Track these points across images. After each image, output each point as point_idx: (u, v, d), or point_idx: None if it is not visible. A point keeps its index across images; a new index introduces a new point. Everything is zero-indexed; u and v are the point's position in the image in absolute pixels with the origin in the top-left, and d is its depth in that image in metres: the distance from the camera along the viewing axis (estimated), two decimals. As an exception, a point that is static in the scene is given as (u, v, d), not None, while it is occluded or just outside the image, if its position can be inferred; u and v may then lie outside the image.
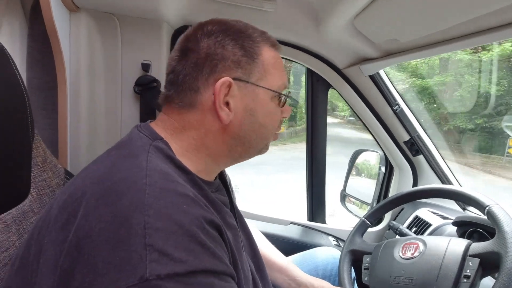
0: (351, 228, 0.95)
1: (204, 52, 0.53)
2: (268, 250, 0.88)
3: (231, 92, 0.53)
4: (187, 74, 0.53)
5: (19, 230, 0.54)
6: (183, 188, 0.44)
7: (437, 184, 1.19)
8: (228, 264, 0.44)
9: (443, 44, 0.82)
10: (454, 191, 0.84)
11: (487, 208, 0.72)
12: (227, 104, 0.53)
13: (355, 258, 0.90)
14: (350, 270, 0.90)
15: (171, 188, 0.43)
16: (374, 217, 0.94)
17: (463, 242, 0.71)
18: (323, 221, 1.34)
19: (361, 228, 0.94)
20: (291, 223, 1.26)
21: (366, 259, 0.87)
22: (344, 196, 1.53)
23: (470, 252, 0.69)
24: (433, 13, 0.70)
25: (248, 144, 0.58)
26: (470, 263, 0.67)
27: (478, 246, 0.69)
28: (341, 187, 1.52)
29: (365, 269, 0.86)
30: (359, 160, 1.53)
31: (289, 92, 0.61)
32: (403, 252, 0.77)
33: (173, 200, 0.41)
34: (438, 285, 0.68)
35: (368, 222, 0.93)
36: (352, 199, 1.54)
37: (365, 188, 1.56)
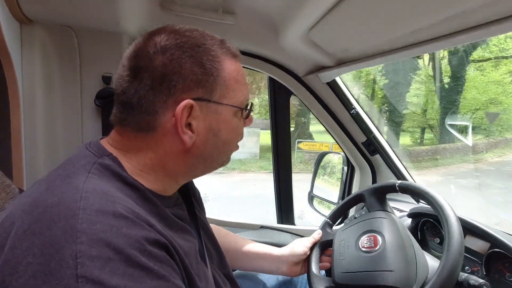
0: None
1: (159, 72, 0.48)
2: (241, 244, 0.89)
3: (193, 114, 0.50)
4: (142, 97, 0.48)
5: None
6: (123, 209, 0.41)
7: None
8: (176, 281, 0.43)
9: (390, 53, 0.90)
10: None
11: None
12: (189, 125, 0.50)
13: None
14: (350, 207, 0.94)
15: (109, 210, 0.40)
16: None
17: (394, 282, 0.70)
18: (292, 223, 1.39)
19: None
20: (261, 227, 1.29)
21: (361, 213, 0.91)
22: (312, 198, 1.59)
23: None
24: (378, 26, 0.77)
25: (211, 161, 0.56)
26: None
27: None
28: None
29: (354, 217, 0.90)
30: (324, 162, 1.61)
31: (252, 104, 0.59)
32: (362, 242, 0.80)
33: (111, 223, 0.39)
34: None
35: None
36: (319, 200, 1.61)
37: (331, 188, 1.64)
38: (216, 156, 0.56)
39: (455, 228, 0.69)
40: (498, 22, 0.62)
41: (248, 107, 0.58)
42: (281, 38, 0.99)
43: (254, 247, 0.88)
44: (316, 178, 1.62)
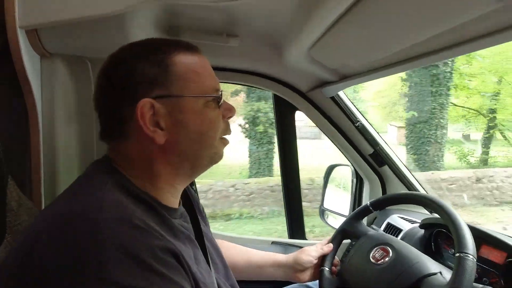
0: None
1: (118, 84, 0.53)
2: (249, 255, 0.92)
3: (157, 112, 0.52)
4: (110, 108, 0.54)
5: (-2, 279, 0.53)
6: (137, 220, 0.45)
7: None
8: (186, 287, 0.46)
9: (390, 67, 0.92)
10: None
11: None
12: (158, 124, 0.53)
13: (348, 238, 0.96)
14: (337, 248, 0.94)
15: (126, 220, 0.44)
16: (378, 206, 0.96)
17: (425, 269, 0.73)
18: (303, 237, 1.38)
19: (362, 212, 0.97)
20: (273, 242, 1.29)
21: (353, 243, 0.93)
22: (323, 211, 1.58)
23: (424, 283, 0.70)
24: (376, 42, 0.80)
25: (194, 156, 0.57)
26: None
27: (434, 281, 0.70)
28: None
29: (347, 250, 0.93)
30: (333, 175, 1.61)
31: (221, 92, 0.59)
32: (374, 254, 0.83)
33: (129, 232, 0.43)
34: None
35: (371, 208, 0.95)
36: (331, 213, 1.60)
37: (342, 201, 1.63)
38: (197, 150, 0.56)
39: (462, 225, 0.70)
40: (492, 34, 0.64)
41: (217, 94, 0.58)
42: (283, 56, 1.03)
43: (261, 256, 0.91)
44: (326, 190, 1.62)
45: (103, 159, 0.57)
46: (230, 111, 0.62)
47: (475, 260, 0.65)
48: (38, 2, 0.68)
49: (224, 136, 0.62)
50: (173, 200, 0.59)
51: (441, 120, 7.65)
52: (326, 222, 1.55)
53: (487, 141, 8.86)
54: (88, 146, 0.88)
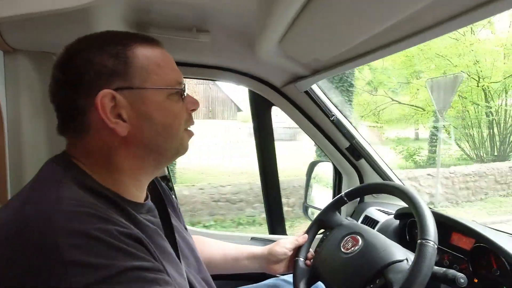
0: None
1: (75, 75, 0.51)
2: (225, 248, 0.92)
3: (119, 103, 0.51)
4: (67, 101, 0.52)
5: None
6: (95, 211, 0.44)
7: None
8: (156, 263, 0.46)
9: (358, 58, 0.94)
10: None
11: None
12: (119, 116, 0.52)
13: (324, 228, 0.98)
14: (312, 238, 0.96)
15: (83, 211, 0.43)
16: (352, 196, 0.98)
17: (391, 257, 0.74)
18: (284, 233, 1.39)
19: (337, 202, 0.98)
20: (252, 238, 1.29)
21: (327, 233, 0.94)
22: (306, 208, 1.59)
23: (388, 270, 0.71)
24: (341, 34, 0.82)
25: (158, 148, 0.56)
26: (377, 280, 0.71)
27: (398, 268, 0.71)
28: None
29: (321, 241, 0.93)
30: (315, 171, 1.62)
31: (184, 85, 0.59)
32: (344, 243, 0.84)
33: (86, 220, 0.42)
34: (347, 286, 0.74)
35: (346, 199, 0.97)
36: (314, 210, 1.61)
37: (324, 197, 1.64)
38: (161, 142, 0.56)
39: (425, 212, 0.72)
40: (445, 22, 0.66)
41: (179, 86, 0.58)
42: (255, 51, 1.04)
43: (237, 248, 0.91)
44: (309, 187, 1.63)
45: (61, 155, 0.55)
46: (193, 104, 0.62)
47: (435, 246, 0.66)
48: None
49: (189, 128, 0.62)
50: (138, 194, 0.58)
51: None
52: (310, 219, 1.55)
53: (433, 139, 8.71)
54: (56, 141, 0.86)
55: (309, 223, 1.61)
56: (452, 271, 0.68)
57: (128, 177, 0.55)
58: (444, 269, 0.69)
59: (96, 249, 0.40)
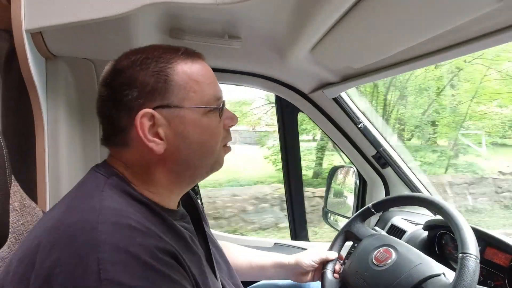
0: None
1: (118, 93, 0.52)
2: (251, 256, 0.92)
3: (157, 122, 0.52)
4: (111, 116, 0.54)
5: None
6: (135, 223, 0.45)
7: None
8: (187, 286, 0.46)
9: (392, 67, 0.92)
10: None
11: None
12: (157, 134, 0.53)
13: (350, 240, 0.96)
14: (339, 250, 0.94)
15: (124, 223, 0.45)
16: (380, 207, 0.96)
17: (428, 271, 0.72)
18: (306, 239, 1.38)
19: (364, 213, 0.96)
20: (275, 243, 1.29)
21: (355, 245, 0.92)
22: (326, 213, 1.58)
23: (426, 285, 0.70)
24: (377, 43, 0.80)
25: (194, 166, 0.57)
26: None
27: (437, 282, 0.69)
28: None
29: (348, 253, 0.92)
30: (337, 176, 1.61)
31: (223, 101, 0.59)
32: (376, 255, 0.82)
33: (127, 234, 0.43)
34: None
35: (373, 210, 0.95)
36: (334, 215, 1.59)
37: (345, 203, 1.63)
38: (197, 160, 0.57)
39: (465, 226, 0.70)
40: (492, 34, 0.64)
41: (219, 104, 0.57)
42: (285, 58, 1.04)
43: (263, 257, 0.91)
44: (329, 192, 1.62)
45: (103, 164, 0.58)
46: (232, 120, 0.61)
47: (478, 260, 0.65)
48: (43, 5, 0.69)
49: (227, 144, 0.63)
50: (172, 203, 0.60)
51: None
52: (330, 224, 1.54)
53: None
54: (92, 147, 0.89)
55: (328, 227, 1.60)
56: None
57: (164, 189, 0.57)
58: None
59: (134, 269, 0.41)
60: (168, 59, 0.54)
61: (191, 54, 0.57)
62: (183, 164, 0.56)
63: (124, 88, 0.52)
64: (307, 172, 6.05)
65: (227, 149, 0.62)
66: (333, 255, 0.91)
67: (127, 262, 0.41)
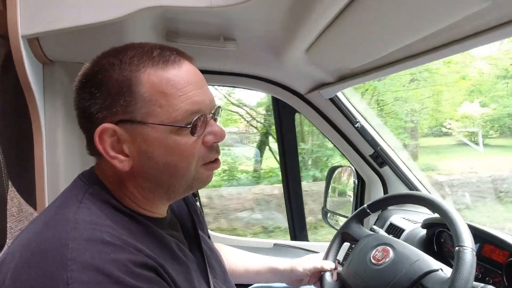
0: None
1: (82, 101, 0.49)
2: (247, 261, 0.92)
3: (121, 137, 0.48)
4: (81, 127, 0.52)
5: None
6: (110, 237, 0.44)
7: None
8: None
9: (388, 67, 0.93)
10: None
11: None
12: (122, 150, 0.49)
13: (348, 241, 0.96)
14: (337, 251, 0.94)
15: (97, 238, 0.43)
16: (375, 207, 0.96)
17: (425, 267, 0.72)
18: (306, 239, 1.38)
19: (360, 214, 0.97)
20: (275, 244, 1.29)
21: (352, 246, 0.93)
22: (325, 213, 1.58)
23: (425, 280, 0.70)
24: (371, 43, 0.81)
25: (166, 184, 0.52)
26: None
27: (435, 277, 0.69)
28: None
29: (346, 254, 0.92)
30: (335, 176, 1.61)
31: (203, 116, 0.50)
32: (374, 254, 0.82)
33: (99, 249, 0.42)
34: None
35: (369, 211, 0.95)
36: (333, 215, 1.59)
37: (344, 202, 1.63)
38: (167, 180, 0.51)
39: (459, 220, 0.70)
40: (484, 32, 0.65)
41: (192, 122, 0.48)
42: (281, 59, 1.04)
43: (259, 262, 0.91)
44: (328, 192, 1.62)
45: (88, 171, 0.56)
46: (215, 136, 0.52)
47: (474, 252, 0.65)
48: (39, 11, 0.69)
49: (209, 161, 0.54)
50: (158, 211, 0.57)
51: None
52: (329, 224, 1.55)
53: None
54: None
55: (328, 227, 1.61)
56: (490, 287, 0.67)
57: (145, 200, 0.54)
58: (482, 284, 0.68)
59: (107, 287, 0.40)
60: (136, 64, 0.47)
61: (168, 57, 0.49)
62: (153, 182, 0.51)
63: (87, 98, 0.48)
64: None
65: (210, 167, 0.54)
66: (329, 265, 0.89)
67: (97, 280, 0.39)
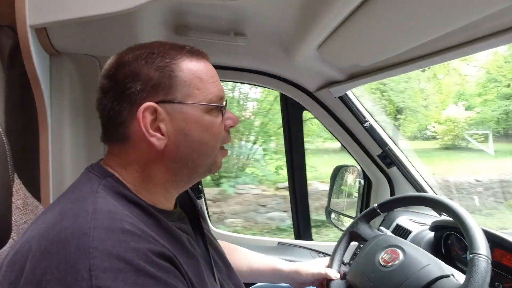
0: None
1: (121, 86, 0.52)
2: (251, 260, 0.91)
3: (159, 116, 0.52)
4: (111, 109, 0.53)
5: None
6: (129, 226, 0.45)
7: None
8: None
9: (399, 66, 0.91)
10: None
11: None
12: (159, 129, 0.52)
13: (355, 240, 0.94)
14: (344, 250, 0.93)
15: (117, 227, 0.44)
16: (386, 208, 0.95)
17: (437, 272, 0.71)
18: (310, 238, 1.37)
19: (370, 214, 0.95)
20: (279, 243, 1.28)
21: (360, 246, 0.91)
22: (329, 212, 1.57)
23: (436, 286, 0.68)
24: (384, 41, 0.79)
25: (193, 164, 0.56)
26: None
27: (446, 283, 0.68)
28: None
29: (354, 254, 0.90)
30: (340, 176, 1.60)
31: (226, 101, 0.59)
32: (383, 256, 0.81)
33: (119, 238, 0.43)
34: None
35: (379, 210, 0.93)
36: (337, 214, 1.58)
37: (348, 202, 1.62)
38: (196, 158, 0.56)
39: (474, 226, 0.69)
40: (502, 33, 0.63)
41: (221, 103, 0.57)
42: (291, 56, 1.03)
43: (263, 262, 0.90)
44: (333, 192, 1.61)
45: (97, 164, 0.56)
46: (233, 120, 0.61)
47: (489, 261, 0.64)
48: (48, 1, 0.68)
49: (224, 146, 0.62)
50: (168, 204, 0.59)
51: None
52: (333, 224, 1.53)
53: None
54: (96, 144, 0.88)
55: (331, 227, 1.60)
56: None
57: (160, 188, 0.56)
58: None
59: (126, 276, 0.40)
60: (173, 55, 0.54)
61: (196, 53, 0.57)
62: (181, 162, 0.55)
63: (127, 80, 0.51)
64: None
65: (224, 152, 0.62)
66: (333, 273, 0.87)
67: (119, 268, 0.40)
